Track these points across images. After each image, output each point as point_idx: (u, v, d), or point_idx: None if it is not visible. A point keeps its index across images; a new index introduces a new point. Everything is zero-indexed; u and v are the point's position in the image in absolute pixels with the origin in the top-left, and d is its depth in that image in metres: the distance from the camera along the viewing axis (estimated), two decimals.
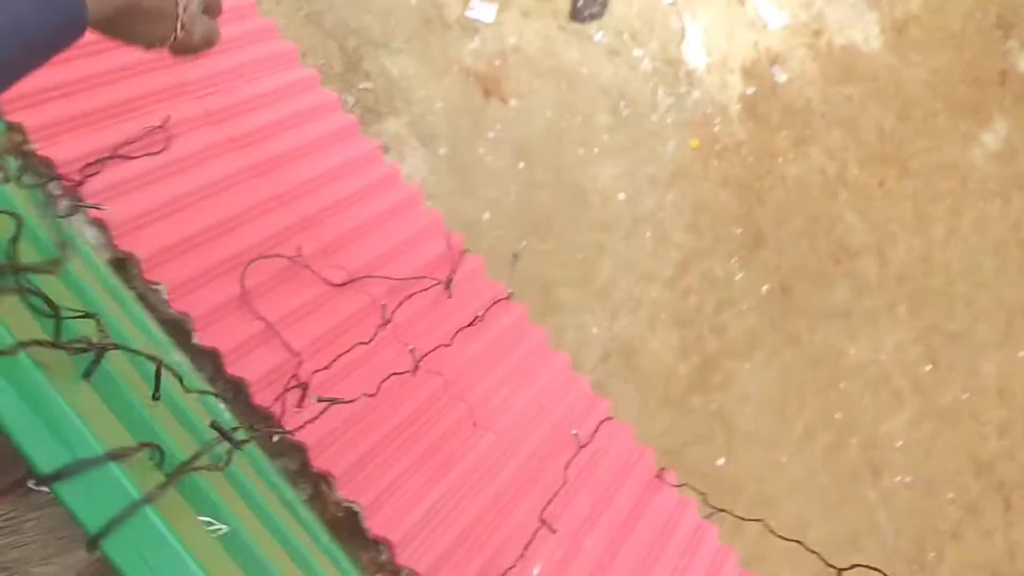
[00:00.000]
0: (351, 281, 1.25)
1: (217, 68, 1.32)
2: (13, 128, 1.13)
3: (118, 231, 1.12)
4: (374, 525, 1.14)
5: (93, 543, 0.43)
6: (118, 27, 0.60)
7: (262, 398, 1.12)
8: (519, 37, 3.26)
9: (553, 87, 3.24)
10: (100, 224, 1.12)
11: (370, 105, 2.92)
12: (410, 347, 1.24)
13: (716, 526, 1.45)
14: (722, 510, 1.38)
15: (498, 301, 1.42)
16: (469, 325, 1.35)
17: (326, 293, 1.25)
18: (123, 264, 1.14)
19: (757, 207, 3.46)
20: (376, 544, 1.15)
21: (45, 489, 0.46)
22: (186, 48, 0.67)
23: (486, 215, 3.00)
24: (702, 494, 1.41)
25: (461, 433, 1.28)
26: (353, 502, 1.13)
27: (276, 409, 1.12)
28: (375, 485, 1.17)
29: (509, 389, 1.37)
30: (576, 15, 3.33)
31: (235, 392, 1.15)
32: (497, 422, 1.32)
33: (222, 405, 1.03)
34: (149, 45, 0.62)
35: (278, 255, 1.23)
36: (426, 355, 1.25)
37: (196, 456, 0.54)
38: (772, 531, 1.27)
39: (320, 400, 1.07)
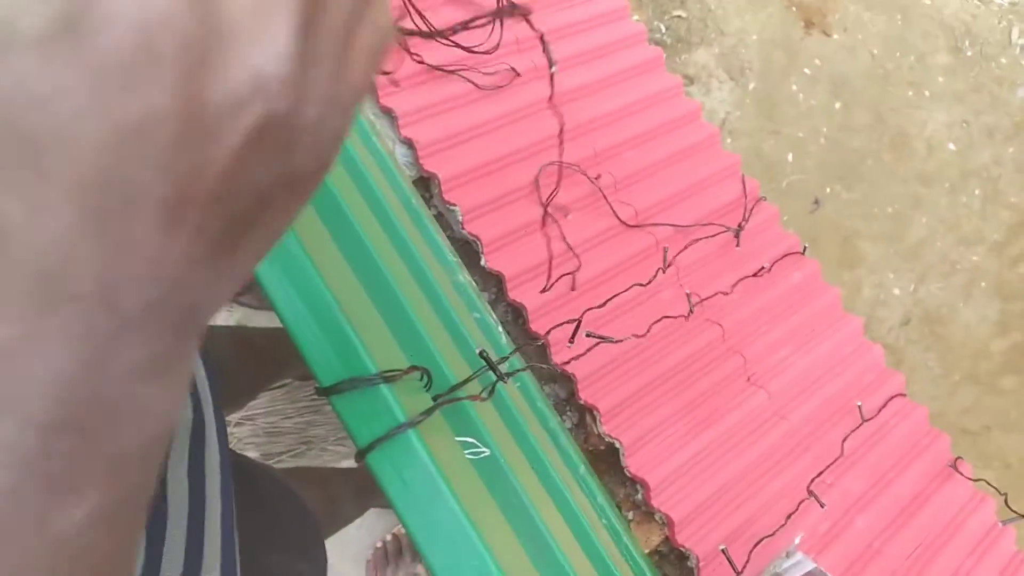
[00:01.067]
0: (640, 226, 1.24)
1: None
2: None
3: (424, 152, 1.19)
4: (633, 464, 1.14)
5: (360, 455, 0.46)
6: None
7: (538, 325, 1.16)
8: None
9: (885, 21, 2.94)
10: (410, 143, 1.19)
11: (681, 34, 2.83)
12: (687, 291, 1.21)
13: (1014, 529, 1.29)
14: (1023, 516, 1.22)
15: (790, 254, 1.34)
16: (753, 276, 1.29)
17: (611, 229, 1.25)
18: (426, 183, 1.22)
19: None
20: (634, 483, 1.16)
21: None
22: None
23: (790, 156, 2.82)
24: (1003, 494, 1.26)
25: (732, 387, 1.23)
26: (615, 438, 1.14)
27: (551, 338, 1.14)
28: (638, 425, 1.16)
29: (791, 348, 1.29)
30: None
31: (515, 316, 1.20)
32: (773, 381, 1.25)
33: (500, 329, 1.07)
34: None
35: (564, 162, 1.24)
36: (703, 301, 1.22)
37: (459, 385, 0.57)
38: None
39: (589, 335, 1.07)
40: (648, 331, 1.14)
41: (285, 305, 0.48)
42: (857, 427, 1.25)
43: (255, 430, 1.51)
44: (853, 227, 2.83)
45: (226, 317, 1.48)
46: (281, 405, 1.52)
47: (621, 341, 1.11)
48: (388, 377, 0.48)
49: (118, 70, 0.20)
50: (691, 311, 1.20)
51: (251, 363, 1.17)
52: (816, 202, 2.80)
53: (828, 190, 2.83)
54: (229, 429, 1.46)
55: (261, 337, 1.24)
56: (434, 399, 0.56)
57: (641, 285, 1.18)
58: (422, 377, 0.54)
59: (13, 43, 0.19)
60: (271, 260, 0.48)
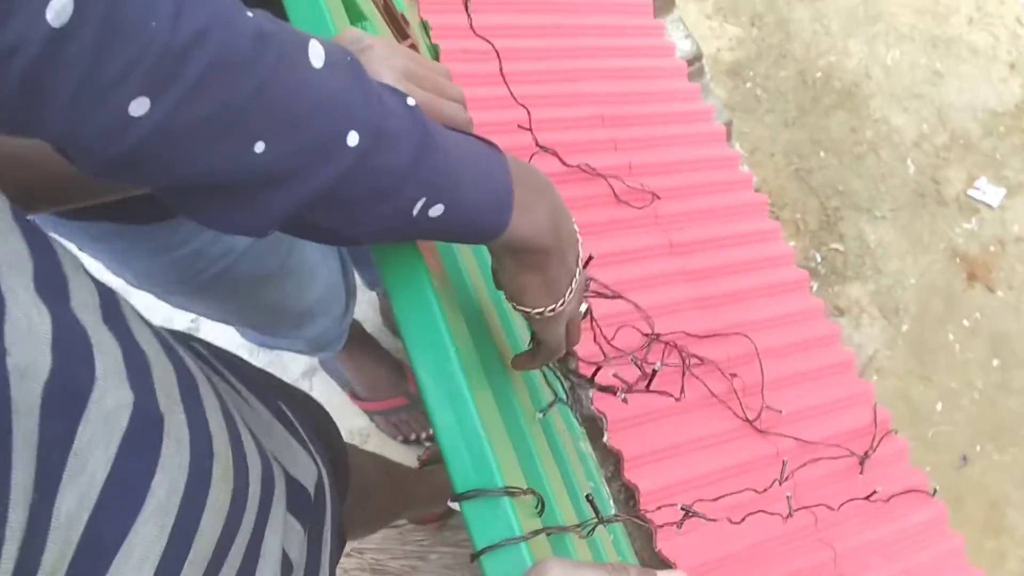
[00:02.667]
0: (766, 432, 1.27)
1: (691, 207, 1.46)
2: None
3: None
4: None
5: (474, 556, 0.53)
6: (513, 264, 0.58)
7: (646, 507, 1.19)
8: None
9: None
10: None
11: (837, 267, 2.89)
12: (788, 494, 1.21)
13: None
14: None
15: (914, 491, 1.32)
16: (865, 499, 1.27)
17: (735, 431, 1.28)
18: (565, 359, 1.31)
19: None
20: None
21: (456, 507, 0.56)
22: (547, 338, 0.64)
23: (939, 405, 2.75)
24: None
25: None
26: None
27: (656, 519, 1.17)
28: None
29: None
30: None
31: (627, 496, 1.23)
32: None
33: (611, 503, 1.11)
34: (523, 302, 0.61)
35: (691, 355, 1.30)
36: (798, 510, 1.21)
37: (575, 526, 0.63)
38: None
39: (684, 509, 1.10)
40: (743, 520, 1.15)
41: (441, 417, 0.57)
42: None
43: (361, 564, 1.57)
44: (1003, 492, 2.67)
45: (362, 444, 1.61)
46: (392, 544, 1.58)
47: (715, 520, 1.12)
48: (510, 492, 0.55)
49: None
50: (790, 513, 1.20)
51: (386, 490, 1.27)
52: (964, 459, 2.68)
53: (978, 448, 2.71)
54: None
55: (398, 471, 1.35)
56: (545, 527, 0.63)
57: (756, 492, 1.20)
58: (537, 504, 0.61)
59: None
60: (437, 381, 0.57)
